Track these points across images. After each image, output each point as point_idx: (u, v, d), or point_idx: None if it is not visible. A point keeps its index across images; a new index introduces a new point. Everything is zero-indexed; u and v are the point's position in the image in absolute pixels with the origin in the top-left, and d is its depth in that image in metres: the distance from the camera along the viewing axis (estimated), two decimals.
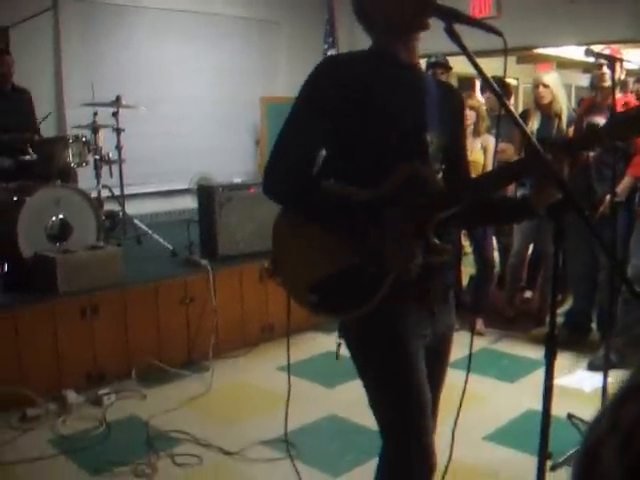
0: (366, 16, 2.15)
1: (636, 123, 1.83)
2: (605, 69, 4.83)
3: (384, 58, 2.14)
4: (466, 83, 12.03)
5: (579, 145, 1.97)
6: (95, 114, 6.47)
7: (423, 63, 6.92)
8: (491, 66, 1.92)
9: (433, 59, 6.97)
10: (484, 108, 5.81)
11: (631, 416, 0.66)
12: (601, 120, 4.74)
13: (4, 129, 5.84)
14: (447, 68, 6.81)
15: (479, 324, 5.69)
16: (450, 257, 2.10)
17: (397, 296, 2.03)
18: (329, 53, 8.07)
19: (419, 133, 2.12)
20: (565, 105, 5.50)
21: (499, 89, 1.94)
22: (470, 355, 2.27)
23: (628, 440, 0.64)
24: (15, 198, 5.12)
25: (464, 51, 1.93)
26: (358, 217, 2.03)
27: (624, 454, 0.64)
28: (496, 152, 4.38)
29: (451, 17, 1.94)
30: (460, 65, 7.87)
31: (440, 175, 2.19)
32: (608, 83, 4.58)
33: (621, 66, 4.55)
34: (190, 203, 6.97)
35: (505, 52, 1.97)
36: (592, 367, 4.85)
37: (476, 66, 1.92)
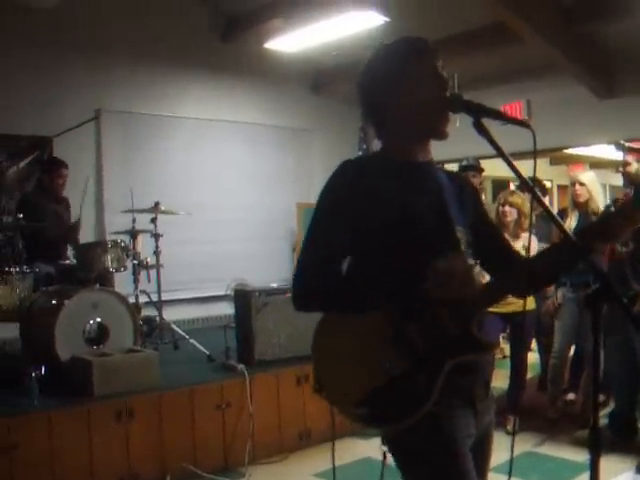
0: (383, 113, 2.14)
1: None
2: (635, 164, 4.86)
3: (401, 160, 2.13)
4: (500, 186, 12.14)
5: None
6: (134, 220, 6.59)
7: (455, 167, 7.03)
8: (521, 168, 1.93)
9: (465, 162, 7.08)
10: (527, 205, 5.71)
11: None
12: None
13: (50, 237, 6.05)
14: (479, 170, 6.89)
15: (511, 423, 5.54)
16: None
17: (444, 399, 1.97)
18: None
19: (449, 231, 2.11)
20: (602, 203, 5.49)
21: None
22: (512, 459, 2.20)
23: None
24: (54, 302, 5.20)
25: (493, 145, 1.95)
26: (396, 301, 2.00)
27: None
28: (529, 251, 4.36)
29: (479, 112, 1.98)
30: (494, 168, 7.98)
31: (477, 269, 2.15)
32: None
33: None
34: (227, 309, 6.98)
35: (534, 145, 1.93)
36: None
37: (507, 160, 1.92)
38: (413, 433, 2.00)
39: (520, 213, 5.60)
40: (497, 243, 2.31)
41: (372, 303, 2.04)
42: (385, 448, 2.13)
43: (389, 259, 2.04)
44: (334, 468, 2.32)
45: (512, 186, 10.50)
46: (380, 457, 4.61)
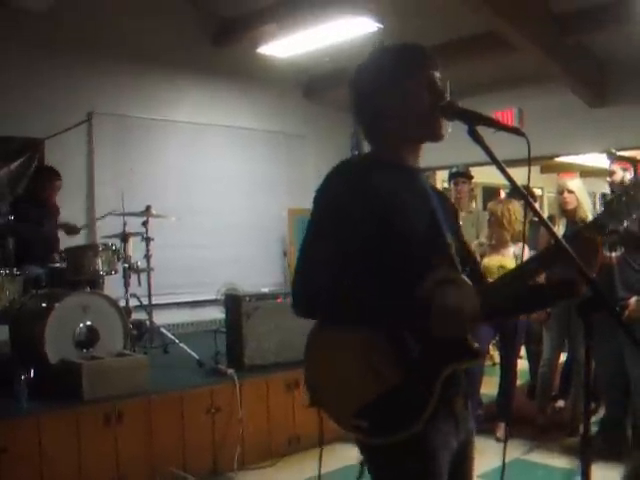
0: (377, 118, 2.13)
1: None
2: (620, 173, 4.87)
3: (392, 165, 2.13)
4: (491, 193, 12.18)
5: (601, 222, 2.00)
6: (125, 223, 6.58)
7: (445, 174, 7.06)
8: (513, 176, 1.93)
9: (454, 169, 7.11)
10: (511, 216, 5.68)
11: None
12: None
13: (41, 241, 6.02)
14: (468, 177, 6.91)
15: (501, 430, 5.55)
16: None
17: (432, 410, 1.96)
18: None
19: (440, 237, 2.11)
20: (590, 211, 5.50)
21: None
22: (504, 466, 2.19)
23: None
24: (44, 304, 5.19)
25: (487, 152, 1.95)
26: (399, 313, 1.98)
27: None
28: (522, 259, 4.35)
29: (474, 120, 1.98)
30: (485, 175, 8.01)
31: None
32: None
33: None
34: (217, 314, 7.00)
35: (529, 153, 1.94)
36: None
37: (500, 167, 1.93)
38: (392, 446, 1.98)
39: (500, 224, 5.58)
40: (469, 264, 2.29)
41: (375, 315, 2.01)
42: (362, 458, 2.12)
43: (385, 266, 2.03)
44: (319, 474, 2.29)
45: (502, 194, 10.54)
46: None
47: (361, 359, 2.01)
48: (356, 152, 9.00)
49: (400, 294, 1.98)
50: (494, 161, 1.94)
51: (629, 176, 5.00)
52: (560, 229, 5.48)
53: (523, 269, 2.12)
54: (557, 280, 2.04)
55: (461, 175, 7.11)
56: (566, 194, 5.45)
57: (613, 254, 4.90)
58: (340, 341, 2.06)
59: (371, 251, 2.03)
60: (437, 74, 2.12)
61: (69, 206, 6.96)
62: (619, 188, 5.10)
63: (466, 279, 2.05)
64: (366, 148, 2.26)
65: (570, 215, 5.47)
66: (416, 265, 2.01)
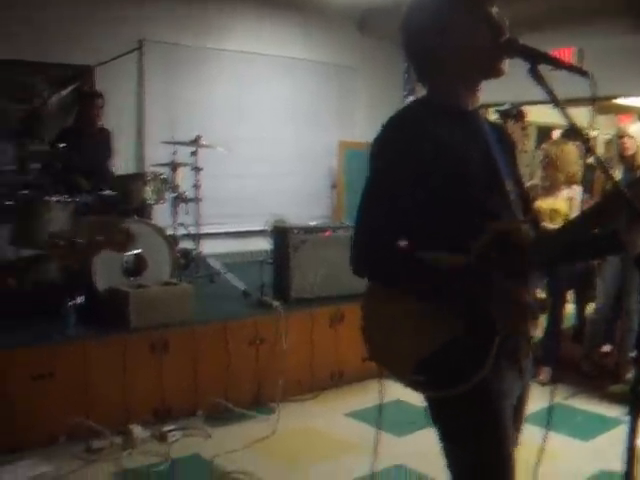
0: (431, 57, 2.04)
1: None
2: None
3: (447, 108, 2.04)
4: (545, 133, 11.90)
5: None
6: (174, 153, 6.58)
7: (492, 112, 6.89)
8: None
9: (505, 107, 6.92)
10: (567, 157, 5.56)
11: None
12: None
13: (88, 169, 6.03)
14: (518, 118, 6.74)
15: (545, 374, 5.53)
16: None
17: (495, 361, 1.91)
18: (408, 100, 8.07)
19: (499, 184, 2.03)
20: None
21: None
22: (550, 409, 2.17)
23: None
24: None
25: (549, 93, 1.87)
26: (459, 284, 1.92)
27: None
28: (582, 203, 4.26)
29: (536, 58, 1.89)
30: (538, 114, 7.80)
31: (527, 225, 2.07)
32: None
33: None
34: (264, 245, 7.00)
35: (593, 95, 1.83)
36: None
37: (561, 108, 1.85)
38: (459, 397, 1.93)
39: (554, 166, 5.48)
40: (529, 210, 2.23)
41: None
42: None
43: (442, 218, 1.97)
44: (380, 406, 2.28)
45: (555, 133, 10.29)
46: (410, 400, 4.63)
47: (419, 315, 1.97)
48: (409, 86, 8.87)
49: (460, 250, 1.91)
50: (555, 102, 1.85)
51: None
52: (617, 175, 5.34)
53: (578, 224, 2.05)
54: (608, 233, 1.97)
55: (507, 115, 6.94)
56: (626, 139, 5.30)
57: None
58: (396, 298, 2.02)
59: (430, 201, 1.96)
60: (495, 9, 2.02)
61: (118, 135, 6.95)
62: None
63: (528, 229, 1.99)
64: (419, 85, 2.18)
65: (629, 161, 5.33)
66: (477, 214, 1.94)
